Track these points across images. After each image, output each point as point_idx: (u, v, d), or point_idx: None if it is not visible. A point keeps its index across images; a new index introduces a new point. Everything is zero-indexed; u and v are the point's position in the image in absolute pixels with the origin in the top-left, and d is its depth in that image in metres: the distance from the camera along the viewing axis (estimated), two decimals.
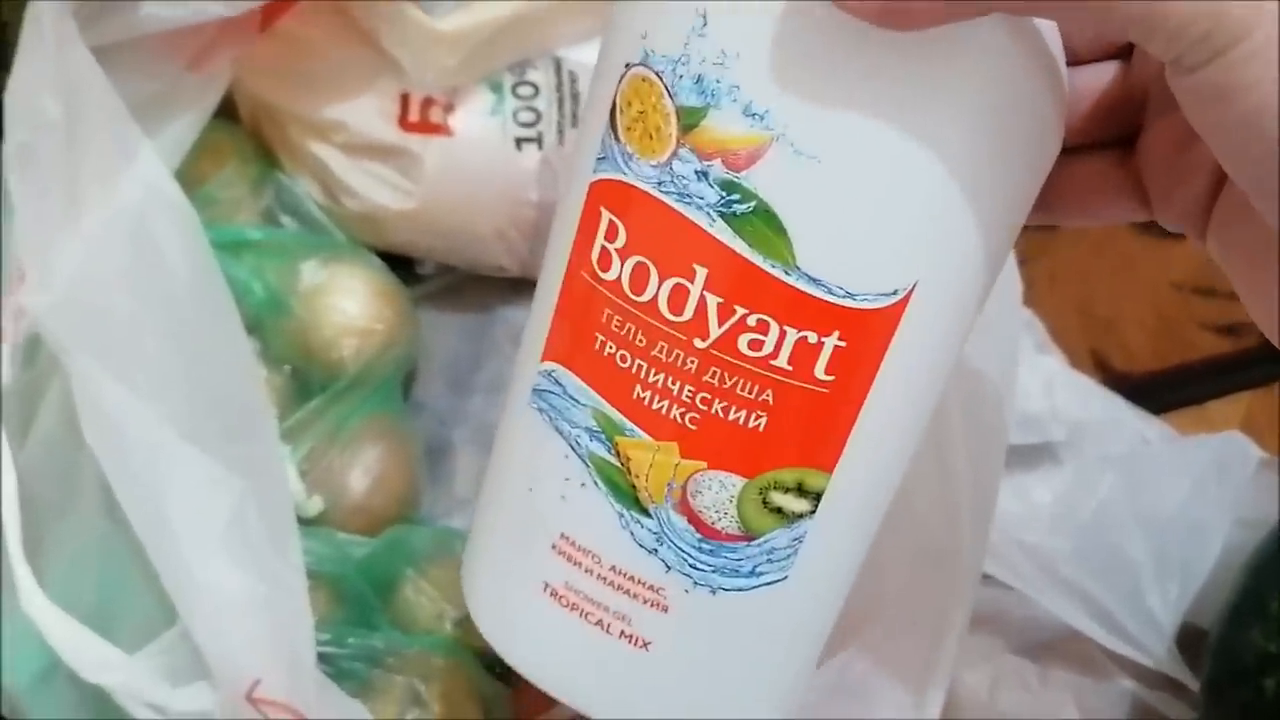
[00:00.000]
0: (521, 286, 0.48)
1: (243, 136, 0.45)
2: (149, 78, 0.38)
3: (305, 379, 0.42)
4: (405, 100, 0.42)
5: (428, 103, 0.42)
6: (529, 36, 0.42)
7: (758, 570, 0.23)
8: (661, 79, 0.21)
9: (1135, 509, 0.41)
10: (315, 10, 0.41)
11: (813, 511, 0.23)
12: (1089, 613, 0.43)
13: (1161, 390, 0.49)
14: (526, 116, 0.42)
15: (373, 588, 0.38)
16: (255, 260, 0.42)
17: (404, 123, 0.42)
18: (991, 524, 0.35)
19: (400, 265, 0.46)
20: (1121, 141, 0.24)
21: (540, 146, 0.43)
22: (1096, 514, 0.40)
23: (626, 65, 0.22)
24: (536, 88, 0.43)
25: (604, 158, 0.22)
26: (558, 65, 0.43)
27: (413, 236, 0.44)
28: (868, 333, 0.21)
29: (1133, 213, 0.24)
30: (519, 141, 0.42)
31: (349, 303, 0.41)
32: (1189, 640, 0.44)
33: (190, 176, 0.40)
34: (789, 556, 0.23)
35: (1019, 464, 0.44)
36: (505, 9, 0.41)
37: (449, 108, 0.42)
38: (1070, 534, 0.40)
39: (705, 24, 0.20)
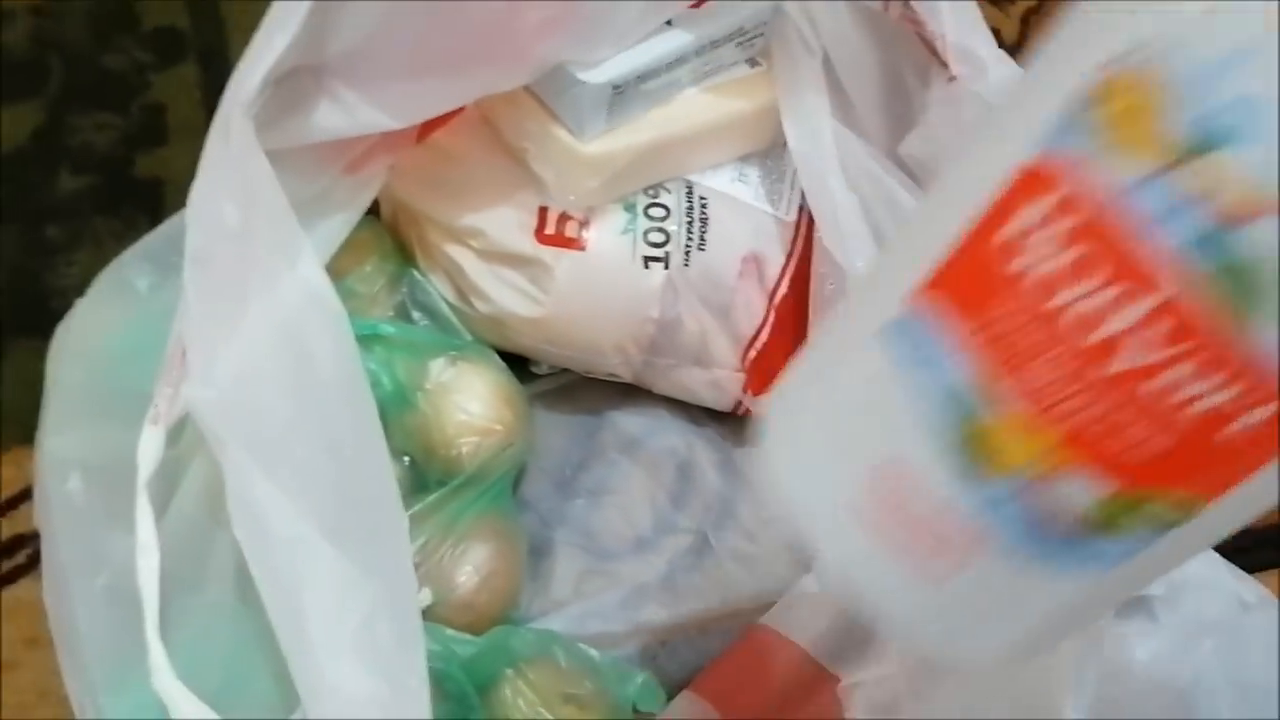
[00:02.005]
0: (633, 393, 0.49)
1: (384, 234, 0.47)
2: (308, 180, 0.40)
3: (421, 472, 0.44)
4: (543, 214, 0.44)
5: (564, 218, 0.44)
6: (666, 162, 0.44)
7: (1078, 562, 0.21)
8: (1173, 86, 0.17)
9: (1232, 677, 0.40)
10: (467, 125, 0.43)
11: (1167, 529, 0.21)
12: None
13: (1257, 547, 0.49)
14: (656, 237, 0.44)
15: (473, 686, 0.39)
16: (385, 353, 0.44)
17: (540, 235, 0.44)
18: (1095, 678, 0.35)
19: (515, 361, 0.48)
20: None
21: (666, 266, 0.44)
22: (1194, 679, 0.40)
23: (1123, 56, 0.18)
24: (667, 210, 0.44)
25: (1057, 142, 0.19)
26: (689, 189, 0.45)
27: (535, 342, 0.46)
28: None
29: None
30: (646, 260, 0.44)
31: (473, 403, 0.43)
32: None
33: (333, 270, 0.42)
34: (1118, 560, 0.21)
35: (1113, 616, 0.43)
36: (647, 136, 0.42)
37: (584, 223, 0.44)
38: (1166, 696, 0.40)
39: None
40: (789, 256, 0.46)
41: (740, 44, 0.44)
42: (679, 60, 0.42)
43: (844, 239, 0.42)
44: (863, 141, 0.44)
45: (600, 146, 0.42)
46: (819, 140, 0.43)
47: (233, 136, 0.35)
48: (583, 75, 0.40)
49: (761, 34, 0.44)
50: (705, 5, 0.42)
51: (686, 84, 0.43)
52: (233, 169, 0.35)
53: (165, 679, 0.33)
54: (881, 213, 0.43)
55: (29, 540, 0.45)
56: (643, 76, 0.41)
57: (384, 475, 0.35)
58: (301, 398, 0.34)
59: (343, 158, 0.41)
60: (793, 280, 0.46)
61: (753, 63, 0.45)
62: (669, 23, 0.41)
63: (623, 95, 0.41)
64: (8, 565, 0.45)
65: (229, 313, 0.34)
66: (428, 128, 0.42)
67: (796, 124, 0.44)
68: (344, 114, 0.38)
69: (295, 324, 0.35)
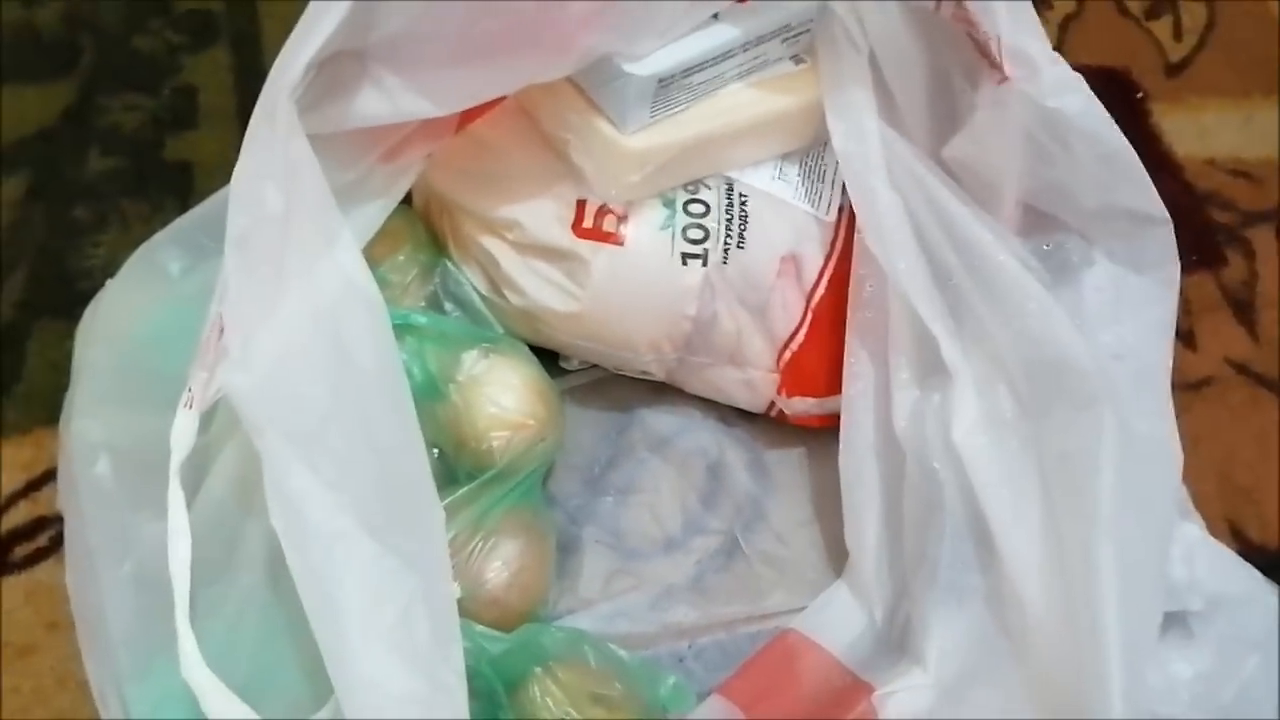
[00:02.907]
0: (664, 391, 0.49)
1: (418, 223, 0.46)
2: (345, 167, 0.40)
3: (451, 465, 0.43)
4: (581, 207, 0.43)
5: (602, 211, 0.43)
6: (708, 158, 0.43)
7: None
8: None
9: (1277, 694, 0.40)
10: (506, 115, 0.43)
11: None
12: None
13: None
14: (695, 234, 0.43)
15: (502, 684, 0.39)
16: (417, 344, 0.43)
17: (578, 228, 0.43)
18: (1143, 696, 0.35)
19: (546, 356, 0.47)
20: None
21: (704, 264, 0.43)
22: (1238, 696, 0.40)
23: None
24: (707, 206, 0.44)
25: None
26: (729, 186, 0.44)
27: (569, 337, 0.45)
28: None
29: None
30: (685, 257, 0.43)
31: (505, 396, 0.42)
32: None
33: (366, 258, 0.41)
34: None
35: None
36: (691, 131, 0.42)
37: (622, 218, 0.43)
38: (1211, 714, 0.39)
39: None
40: (828, 257, 0.45)
41: (786, 40, 0.43)
42: (724, 55, 0.41)
43: (886, 240, 0.42)
44: (906, 142, 0.43)
45: (643, 140, 0.41)
46: (863, 139, 0.42)
47: (277, 119, 0.34)
48: (628, 67, 0.39)
49: (807, 30, 0.43)
50: (751, 1, 0.41)
51: (731, 79, 0.42)
52: (276, 152, 0.34)
53: (195, 668, 0.33)
54: (925, 214, 0.42)
55: (51, 523, 0.45)
56: (688, 70, 0.40)
57: (420, 467, 0.34)
58: (339, 385, 0.34)
59: (380, 145, 0.41)
60: (831, 281, 0.45)
61: (797, 59, 0.44)
62: (715, 17, 0.41)
63: (667, 89, 0.40)
64: (29, 548, 0.44)
65: (268, 296, 0.34)
66: (467, 117, 0.41)
67: (841, 122, 0.43)
68: (386, 100, 0.38)
69: (333, 310, 0.35)
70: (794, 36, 0.43)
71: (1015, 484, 0.39)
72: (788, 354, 0.45)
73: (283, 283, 0.34)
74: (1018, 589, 0.38)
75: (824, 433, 0.47)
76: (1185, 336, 0.54)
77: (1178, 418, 0.41)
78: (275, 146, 0.34)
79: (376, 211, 0.42)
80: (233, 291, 0.33)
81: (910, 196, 0.43)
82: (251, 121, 0.35)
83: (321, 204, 0.36)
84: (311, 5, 0.35)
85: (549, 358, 0.47)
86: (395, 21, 0.36)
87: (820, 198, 0.45)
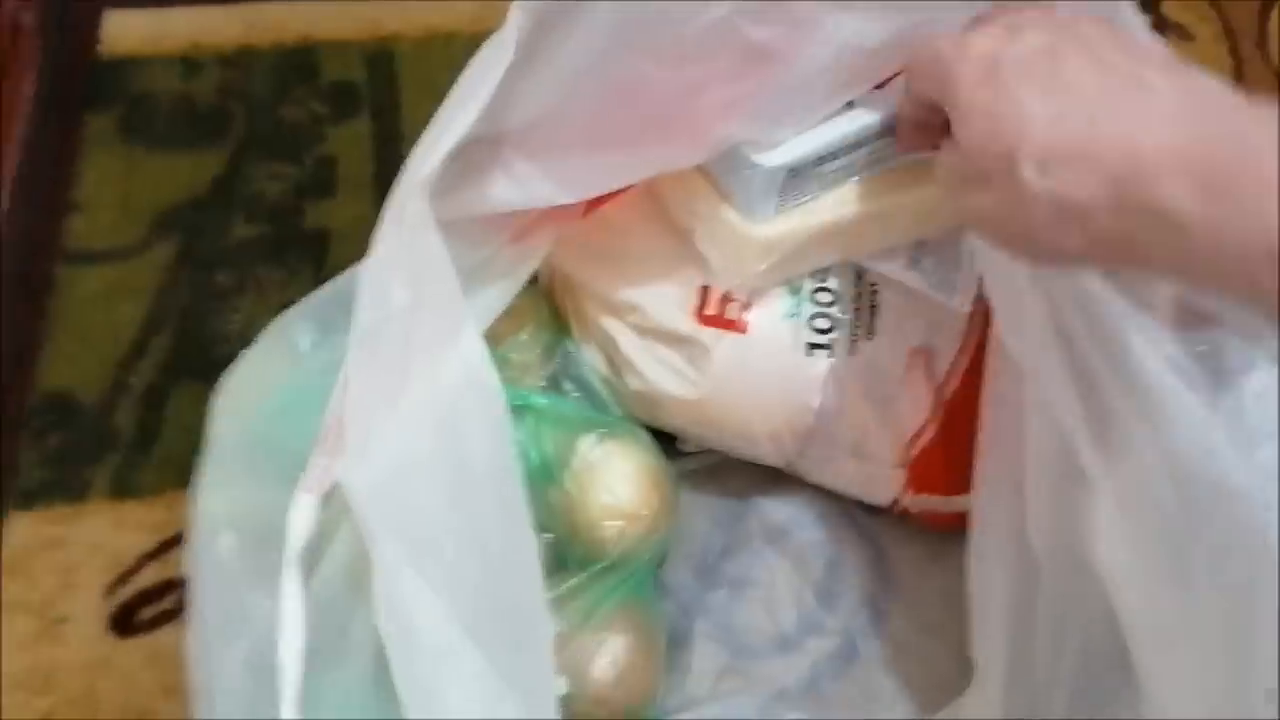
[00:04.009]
0: (783, 479, 0.47)
1: (542, 302, 0.46)
2: (474, 248, 0.40)
3: (562, 551, 0.43)
4: (705, 293, 0.42)
5: (726, 298, 0.42)
6: (838, 246, 0.42)
7: None
8: None
9: None
10: (634, 199, 0.42)
11: None
12: None
13: None
14: (822, 323, 0.42)
15: None
16: (535, 425, 0.43)
17: (700, 315, 0.42)
18: None
19: (663, 438, 0.46)
20: None
21: (831, 354, 0.42)
22: None
23: None
24: (835, 295, 0.42)
25: None
26: (859, 274, 0.43)
27: (686, 423, 0.44)
28: None
29: None
30: (810, 347, 0.42)
31: (621, 485, 0.42)
32: None
33: (489, 336, 0.41)
34: None
35: None
36: (821, 219, 0.41)
37: (747, 306, 0.42)
38: None
39: None
40: (961, 351, 0.43)
41: None
42: (858, 143, 0.40)
43: (1025, 337, 0.39)
44: None
45: (770, 230, 0.40)
46: None
47: (408, 214, 0.34)
48: (757, 157, 0.38)
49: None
50: (889, 85, 0.40)
51: (864, 167, 0.41)
52: (406, 246, 0.34)
53: None
54: (1067, 310, 0.40)
55: (178, 586, 0.46)
56: (819, 159, 0.39)
57: (532, 575, 0.33)
58: (454, 488, 0.33)
59: (509, 227, 0.41)
60: (964, 376, 0.43)
61: (934, 145, 0.42)
62: (850, 103, 0.40)
63: (797, 178, 0.39)
64: (155, 610, 0.45)
65: (390, 392, 0.34)
66: (595, 201, 0.41)
67: None
68: (517, 187, 0.38)
69: (453, 409, 0.34)
70: None
71: (1161, 612, 0.36)
72: (915, 450, 0.43)
73: (405, 377, 0.34)
74: None
75: (949, 533, 0.45)
76: None
77: None
78: (405, 240, 0.34)
79: (502, 292, 0.42)
80: (354, 388, 0.33)
81: (1054, 291, 0.40)
82: (386, 214, 0.35)
83: (449, 297, 0.36)
84: (448, 100, 0.35)
85: (666, 439, 0.47)
86: (529, 110, 0.36)
87: (954, 288, 0.43)
